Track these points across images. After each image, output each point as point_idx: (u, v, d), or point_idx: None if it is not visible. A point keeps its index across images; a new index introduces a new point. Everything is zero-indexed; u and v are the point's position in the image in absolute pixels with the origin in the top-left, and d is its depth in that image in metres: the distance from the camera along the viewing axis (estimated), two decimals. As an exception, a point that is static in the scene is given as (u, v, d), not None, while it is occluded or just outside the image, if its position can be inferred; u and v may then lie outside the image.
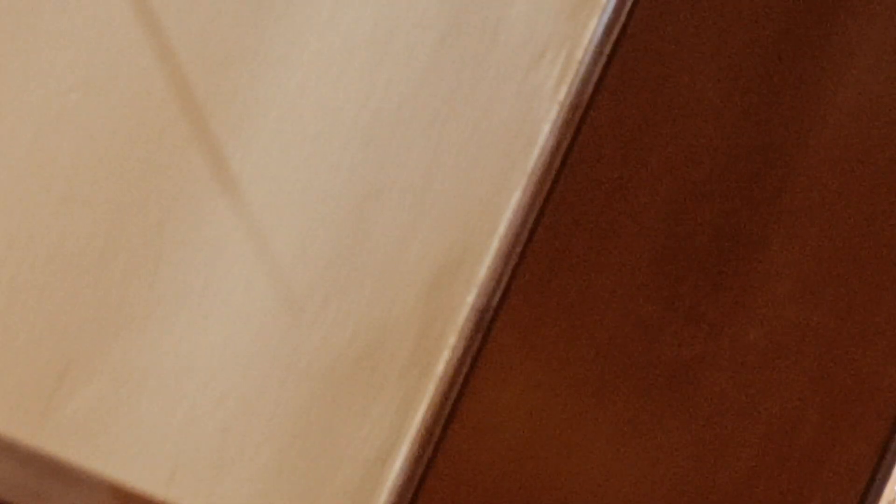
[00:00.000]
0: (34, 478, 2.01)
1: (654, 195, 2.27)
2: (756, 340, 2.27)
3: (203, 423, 2.12)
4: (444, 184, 2.20)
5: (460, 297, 2.24)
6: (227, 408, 2.13)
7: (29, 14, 1.93)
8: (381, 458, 2.22)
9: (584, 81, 2.25)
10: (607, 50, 2.25)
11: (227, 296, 2.11)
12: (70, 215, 2.01)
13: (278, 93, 2.09)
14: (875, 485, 2.26)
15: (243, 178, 2.09)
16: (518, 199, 2.25)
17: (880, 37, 2.28)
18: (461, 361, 2.25)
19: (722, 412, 2.27)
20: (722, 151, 2.27)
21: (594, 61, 2.25)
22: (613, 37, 2.25)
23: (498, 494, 2.26)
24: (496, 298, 2.25)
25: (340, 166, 2.14)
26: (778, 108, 2.27)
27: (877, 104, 2.28)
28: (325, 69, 2.11)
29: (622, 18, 2.25)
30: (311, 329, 2.16)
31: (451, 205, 2.21)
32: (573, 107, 2.24)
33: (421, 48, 2.15)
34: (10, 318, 2.00)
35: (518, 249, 2.25)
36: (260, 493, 2.16)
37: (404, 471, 2.24)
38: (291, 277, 2.14)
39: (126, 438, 2.08)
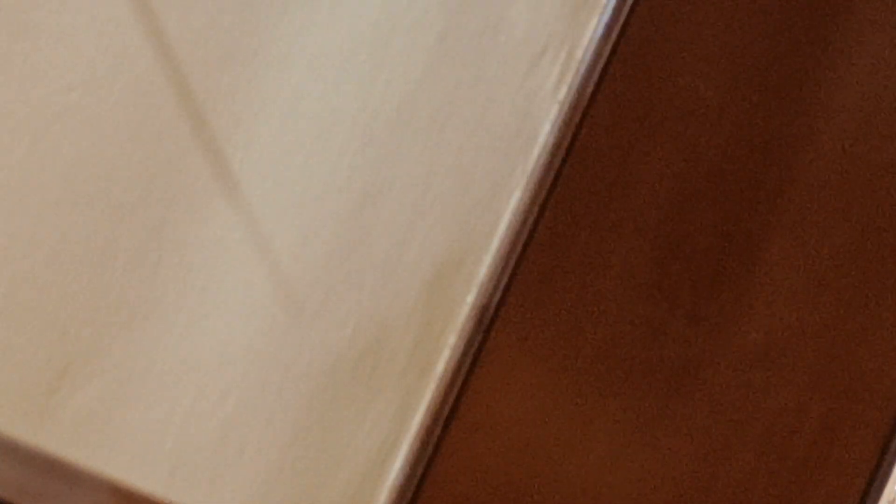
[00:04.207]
0: (34, 478, 2.01)
1: (654, 195, 2.27)
2: (756, 340, 2.27)
3: (203, 422, 2.12)
4: (444, 184, 2.20)
5: (460, 297, 2.24)
6: (227, 408, 2.13)
7: (29, 13, 1.94)
8: (381, 458, 2.23)
9: (584, 81, 2.25)
10: (607, 50, 2.25)
11: (227, 296, 2.11)
12: (70, 215, 2.01)
13: (278, 93, 2.09)
14: (875, 485, 2.26)
15: (243, 178, 2.09)
16: (518, 199, 2.25)
17: (880, 37, 2.28)
18: (461, 361, 2.25)
19: (722, 412, 2.27)
20: (722, 151, 2.27)
21: (594, 61, 2.25)
22: (613, 37, 2.25)
23: (498, 494, 2.26)
24: (496, 298, 2.25)
25: (340, 166, 2.14)
26: (778, 108, 2.28)
27: (877, 104, 2.28)
28: (325, 69, 2.11)
29: (622, 18, 2.25)
30: (311, 329, 2.16)
31: (451, 205, 2.21)
32: (573, 106, 2.24)
33: (421, 48, 2.15)
34: (10, 317, 2.00)
35: (518, 249, 2.26)
36: (260, 492, 2.16)
37: (404, 471, 2.24)
38: (291, 277, 2.14)
39: (126, 438, 2.08)
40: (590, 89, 2.25)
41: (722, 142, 2.27)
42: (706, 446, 2.27)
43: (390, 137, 2.16)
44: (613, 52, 2.26)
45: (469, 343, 2.25)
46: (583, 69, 2.25)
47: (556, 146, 2.25)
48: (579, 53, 2.25)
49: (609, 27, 2.25)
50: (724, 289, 2.27)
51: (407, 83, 2.15)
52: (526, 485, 2.27)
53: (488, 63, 2.20)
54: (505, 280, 2.25)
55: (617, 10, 2.25)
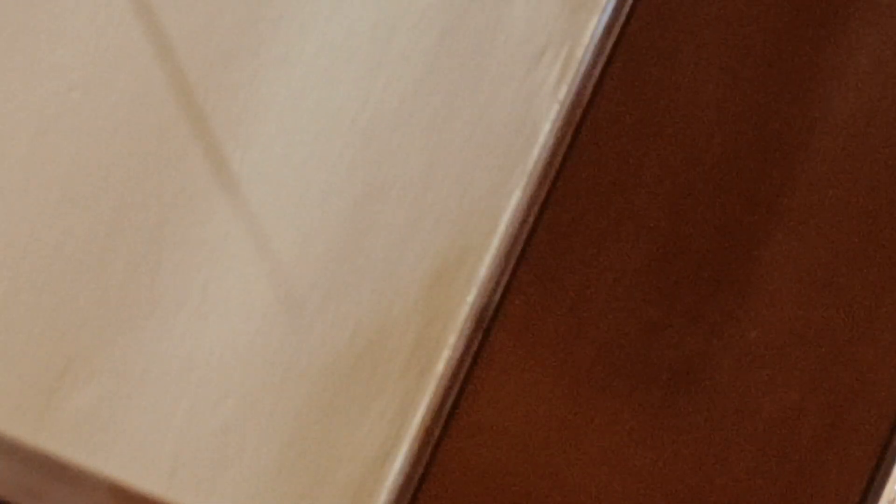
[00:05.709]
0: (34, 477, 2.01)
1: (654, 195, 2.27)
2: (756, 340, 2.27)
3: (203, 422, 2.12)
4: (444, 183, 2.20)
5: (460, 297, 2.24)
6: (227, 407, 2.13)
7: (29, 14, 1.94)
8: (381, 458, 2.23)
9: (585, 81, 2.25)
10: (607, 49, 2.25)
11: (227, 296, 2.11)
12: (70, 215, 2.01)
13: (278, 92, 2.09)
14: (875, 485, 2.26)
15: (243, 178, 2.09)
16: (518, 199, 2.25)
17: (880, 37, 2.28)
18: (461, 361, 2.25)
19: (722, 412, 2.27)
20: (722, 151, 2.27)
21: (594, 60, 2.25)
22: (613, 36, 2.25)
23: (498, 494, 2.26)
24: (496, 298, 2.25)
25: (340, 166, 2.14)
26: (778, 108, 2.28)
27: (877, 104, 2.28)
28: (325, 69, 2.11)
29: (622, 18, 2.25)
30: (311, 329, 2.16)
31: (451, 204, 2.21)
32: (573, 106, 2.24)
33: (421, 48, 2.15)
34: (10, 317, 2.00)
35: (518, 249, 2.25)
36: (260, 492, 2.16)
37: (404, 470, 2.24)
38: (291, 277, 2.14)
39: (126, 437, 2.08)
40: (590, 89, 2.25)
41: (722, 142, 2.27)
42: (706, 446, 2.27)
43: (390, 137, 2.16)
44: (613, 51, 2.26)
45: (469, 343, 2.25)
46: (583, 69, 2.25)
47: (556, 146, 2.25)
48: (579, 53, 2.25)
49: (609, 27, 2.25)
50: (724, 289, 2.27)
51: (407, 83, 2.15)
52: (525, 484, 2.27)
53: (488, 63, 2.20)
54: (505, 280, 2.25)
55: (617, 10, 2.25)
